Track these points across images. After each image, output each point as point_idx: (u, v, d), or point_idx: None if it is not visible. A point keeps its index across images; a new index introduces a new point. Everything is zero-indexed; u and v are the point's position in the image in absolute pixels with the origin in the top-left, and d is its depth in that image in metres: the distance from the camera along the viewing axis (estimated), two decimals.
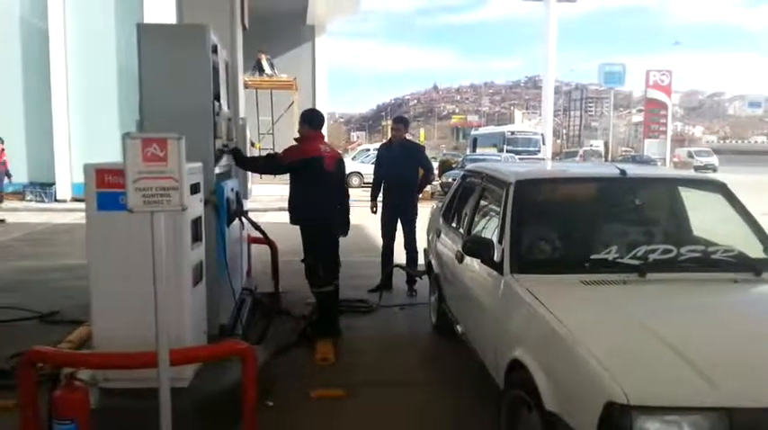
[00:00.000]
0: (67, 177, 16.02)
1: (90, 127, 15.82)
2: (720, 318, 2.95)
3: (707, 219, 4.14)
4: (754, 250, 3.54)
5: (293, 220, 5.07)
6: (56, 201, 15.95)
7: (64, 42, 15.91)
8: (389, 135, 7.57)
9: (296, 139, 5.13)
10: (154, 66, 4.13)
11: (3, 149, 14.91)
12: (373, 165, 7.23)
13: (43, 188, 16.20)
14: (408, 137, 7.45)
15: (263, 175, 6.15)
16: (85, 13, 16.04)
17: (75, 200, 15.08)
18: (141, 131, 3.96)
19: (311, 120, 5.08)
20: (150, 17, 14.39)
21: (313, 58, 22.35)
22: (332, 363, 4.63)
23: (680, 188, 4.28)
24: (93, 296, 3.38)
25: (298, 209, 5.03)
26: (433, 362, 4.82)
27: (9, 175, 15.31)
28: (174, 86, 4.17)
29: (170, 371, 2.86)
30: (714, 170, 38.03)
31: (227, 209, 4.59)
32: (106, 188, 3.28)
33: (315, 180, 4.89)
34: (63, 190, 16.09)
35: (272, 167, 5.23)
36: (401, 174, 6.86)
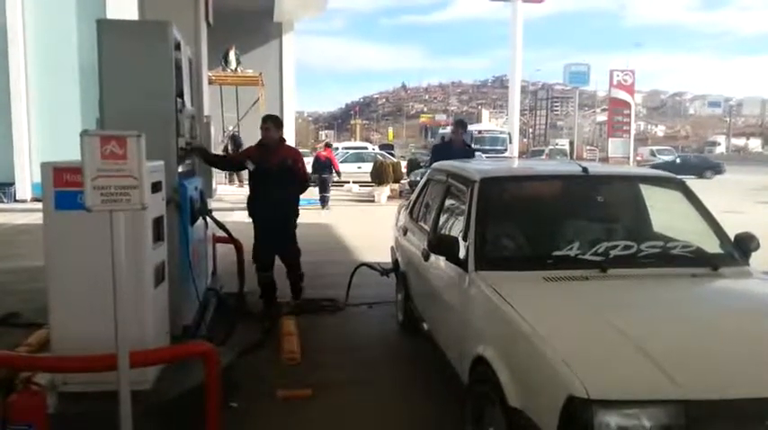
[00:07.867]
0: (27, 177, 15.62)
1: (50, 125, 15.43)
2: (679, 312, 3.01)
3: (667, 215, 4.22)
4: (711, 246, 3.63)
5: None
6: (15, 201, 15.55)
7: (23, 39, 15.50)
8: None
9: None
10: (115, 62, 4.05)
11: None
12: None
13: (2, 188, 15.77)
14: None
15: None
16: (45, 8, 15.62)
17: (35, 200, 14.67)
18: (101, 129, 3.88)
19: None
20: (113, 13, 14.07)
21: (280, 55, 22.18)
22: (298, 363, 4.60)
23: (641, 185, 4.35)
24: (52, 297, 3.29)
25: None
26: (400, 361, 4.83)
27: None
28: (135, 84, 4.09)
29: (131, 374, 2.81)
30: None
31: (190, 208, 4.53)
32: (64, 187, 3.21)
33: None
34: (23, 190, 15.69)
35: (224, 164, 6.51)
36: None
